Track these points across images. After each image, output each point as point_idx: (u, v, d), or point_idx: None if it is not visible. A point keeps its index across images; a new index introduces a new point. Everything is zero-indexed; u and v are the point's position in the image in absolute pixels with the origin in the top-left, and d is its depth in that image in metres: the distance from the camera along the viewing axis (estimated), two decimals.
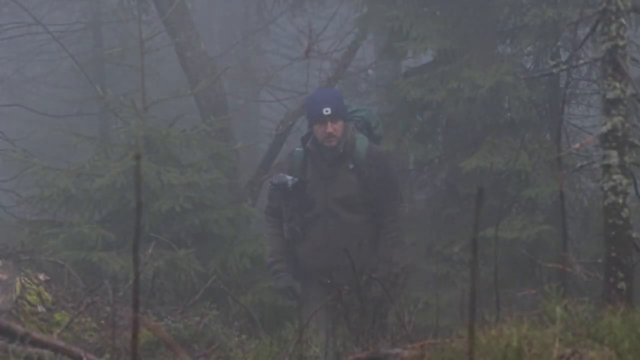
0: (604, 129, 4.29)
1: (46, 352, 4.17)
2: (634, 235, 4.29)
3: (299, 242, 6.26)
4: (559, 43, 7.03)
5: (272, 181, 6.25)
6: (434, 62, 8.26)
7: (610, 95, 4.28)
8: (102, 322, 5.90)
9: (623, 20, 4.27)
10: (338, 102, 6.24)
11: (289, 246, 6.33)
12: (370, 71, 12.01)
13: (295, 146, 6.52)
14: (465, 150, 8.13)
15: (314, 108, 6.23)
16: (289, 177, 6.18)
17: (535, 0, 7.96)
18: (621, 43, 4.26)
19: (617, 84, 4.26)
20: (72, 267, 6.53)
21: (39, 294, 5.74)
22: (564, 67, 4.62)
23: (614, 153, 4.27)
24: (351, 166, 6.19)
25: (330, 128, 6.12)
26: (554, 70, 4.72)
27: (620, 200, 4.26)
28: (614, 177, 4.27)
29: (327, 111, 6.11)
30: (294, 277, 6.34)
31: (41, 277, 5.98)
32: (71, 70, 11.71)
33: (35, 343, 4.24)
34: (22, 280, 5.71)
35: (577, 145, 5.18)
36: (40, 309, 5.67)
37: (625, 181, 4.27)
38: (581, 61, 4.73)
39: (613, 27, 4.26)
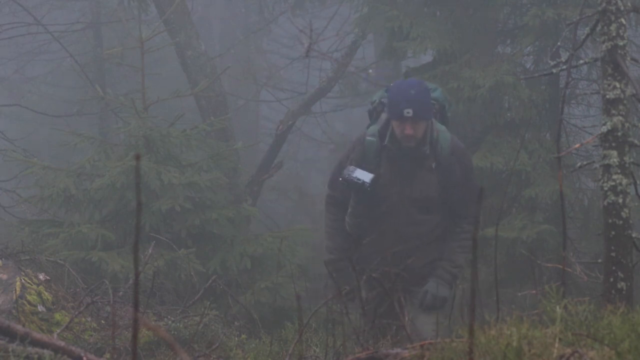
0: (604, 129, 4.29)
1: (46, 352, 4.17)
2: (634, 235, 4.29)
3: (363, 237, 5.70)
4: (559, 43, 7.03)
5: (344, 176, 5.58)
6: (434, 62, 8.26)
7: (610, 95, 4.28)
8: (102, 322, 5.90)
9: (623, 20, 4.27)
10: (423, 100, 5.51)
11: (350, 239, 5.79)
12: (370, 71, 12.02)
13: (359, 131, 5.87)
14: None
15: (394, 105, 5.50)
16: (365, 174, 5.57)
17: (535, 0, 7.96)
18: (621, 43, 4.26)
19: (617, 84, 4.26)
20: (72, 267, 6.53)
21: (39, 294, 5.75)
22: (564, 67, 4.62)
23: (614, 153, 4.27)
24: (434, 165, 5.62)
25: (409, 130, 5.49)
26: (554, 70, 4.72)
27: (620, 200, 4.27)
28: (614, 177, 4.27)
29: (408, 112, 5.43)
30: (354, 273, 5.81)
31: (41, 277, 5.98)
32: (71, 70, 11.72)
33: (35, 343, 4.24)
34: (22, 280, 5.71)
35: (577, 145, 5.18)
36: (40, 308, 5.67)
37: (625, 181, 4.27)
38: (581, 61, 4.73)
39: (613, 27, 4.27)
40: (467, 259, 5.75)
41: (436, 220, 5.69)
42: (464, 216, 5.69)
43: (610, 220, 4.28)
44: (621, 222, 4.27)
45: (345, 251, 5.77)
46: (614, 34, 4.26)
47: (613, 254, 4.27)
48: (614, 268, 4.26)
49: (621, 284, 4.25)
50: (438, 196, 5.64)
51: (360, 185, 5.53)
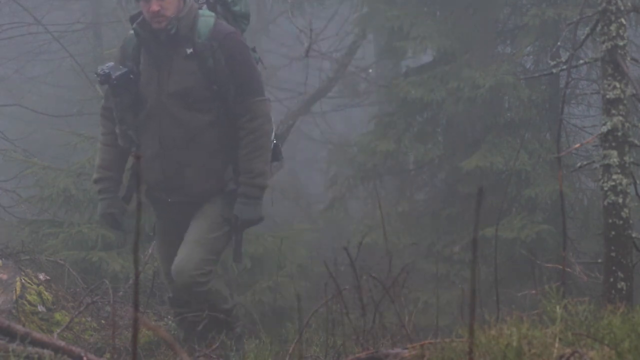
0: (604, 129, 4.30)
1: (46, 352, 4.18)
2: (634, 235, 4.29)
3: (132, 148, 5.07)
4: (559, 43, 7.04)
5: (97, 71, 4.95)
6: (434, 62, 8.27)
7: (610, 95, 4.28)
8: (102, 322, 5.90)
9: (623, 20, 4.28)
10: None
11: (124, 157, 5.13)
12: (370, 71, 12.02)
13: None
14: (465, 150, 8.14)
15: None
16: (117, 68, 4.94)
17: (535, 0, 7.97)
18: (621, 43, 4.26)
19: (617, 84, 4.27)
20: (72, 267, 6.53)
21: (39, 294, 5.75)
22: (564, 67, 4.63)
23: (614, 153, 4.28)
24: (189, 51, 4.87)
25: (155, 6, 4.82)
26: (554, 70, 4.72)
27: (620, 200, 4.27)
28: (614, 177, 4.27)
29: None
30: (126, 200, 5.24)
31: (41, 277, 5.98)
32: (71, 70, 11.70)
33: (35, 343, 4.24)
34: (22, 280, 5.71)
35: (577, 145, 5.18)
36: (40, 308, 5.67)
37: (625, 181, 4.28)
38: (581, 61, 4.74)
39: (613, 27, 4.27)
40: (266, 160, 5.00)
41: (208, 119, 4.94)
42: (241, 114, 4.93)
43: (610, 220, 4.29)
44: (621, 222, 4.27)
45: (114, 169, 5.12)
46: (614, 34, 4.27)
47: (613, 254, 4.27)
48: (614, 268, 4.26)
49: (621, 284, 4.25)
50: (202, 88, 4.90)
51: (105, 77, 4.89)
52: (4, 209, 8.98)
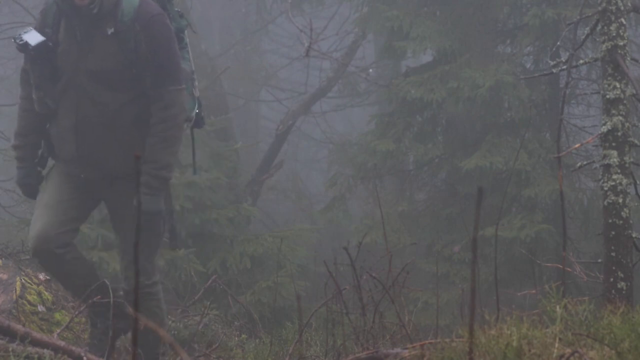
0: (604, 129, 4.30)
1: (46, 352, 4.18)
2: (634, 235, 4.30)
3: (52, 118, 4.87)
4: (558, 43, 7.04)
5: (14, 37, 4.73)
6: (434, 62, 8.28)
7: (610, 95, 4.28)
8: None
9: (623, 20, 4.28)
10: None
11: (42, 122, 4.92)
12: (370, 71, 12.02)
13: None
14: (465, 150, 8.15)
15: None
16: (36, 37, 4.69)
17: (535, 0, 7.97)
18: (621, 43, 4.26)
19: (617, 84, 4.27)
20: None
21: (39, 294, 5.74)
22: (564, 67, 4.63)
23: (614, 153, 4.28)
24: (110, 31, 4.66)
25: None
26: (554, 70, 4.72)
27: (620, 200, 4.27)
28: (614, 177, 4.27)
29: None
30: (42, 164, 5.06)
31: (41, 276, 5.98)
32: None
33: (35, 343, 4.24)
34: (23, 280, 5.71)
35: (577, 145, 5.18)
36: (40, 308, 5.67)
37: (625, 181, 4.28)
38: (581, 61, 4.74)
39: (613, 27, 4.27)
40: (173, 152, 4.80)
41: (124, 97, 4.73)
42: (155, 100, 4.71)
43: (610, 220, 4.29)
44: (621, 222, 4.27)
45: (32, 135, 4.96)
46: (614, 34, 4.27)
47: (613, 254, 4.27)
48: (614, 268, 4.27)
49: (621, 284, 4.25)
50: (121, 70, 4.70)
51: (23, 46, 4.68)
52: (4, 209, 8.98)
